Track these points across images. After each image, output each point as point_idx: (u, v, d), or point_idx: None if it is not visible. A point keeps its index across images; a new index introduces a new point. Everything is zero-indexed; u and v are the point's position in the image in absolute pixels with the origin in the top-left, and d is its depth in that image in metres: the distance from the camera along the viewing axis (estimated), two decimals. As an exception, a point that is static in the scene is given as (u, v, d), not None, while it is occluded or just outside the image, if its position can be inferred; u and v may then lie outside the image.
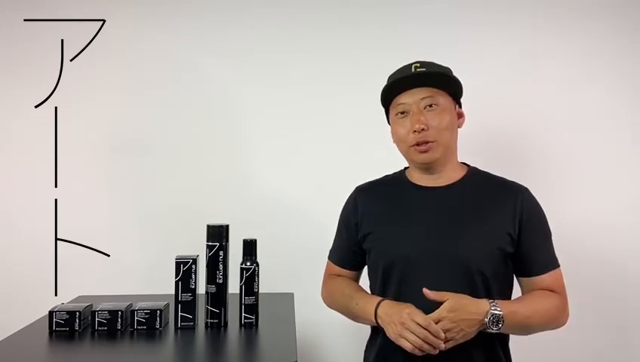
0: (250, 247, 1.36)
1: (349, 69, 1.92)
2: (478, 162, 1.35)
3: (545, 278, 1.23)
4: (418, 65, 1.25)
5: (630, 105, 1.88)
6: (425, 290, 1.12)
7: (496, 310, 1.12)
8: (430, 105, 1.23)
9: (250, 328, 1.33)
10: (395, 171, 1.38)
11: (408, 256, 1.21)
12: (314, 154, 1.93)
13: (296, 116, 1.94)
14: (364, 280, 1.37)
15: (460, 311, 1.10)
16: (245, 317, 1.34)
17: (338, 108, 1.91)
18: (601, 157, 1.88)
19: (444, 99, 1.24)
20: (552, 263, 1.24)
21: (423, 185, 1.29)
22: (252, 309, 1.35)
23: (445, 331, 1.09)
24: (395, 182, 1.34)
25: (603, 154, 1.88)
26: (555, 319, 1.22)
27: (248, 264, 1.35)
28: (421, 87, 1.23)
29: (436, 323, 1.09)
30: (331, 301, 1.38)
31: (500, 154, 1.86)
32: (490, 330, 1.13)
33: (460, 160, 1.33)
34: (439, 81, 1.24)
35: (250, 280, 1.34)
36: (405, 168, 1.36)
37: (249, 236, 1.37)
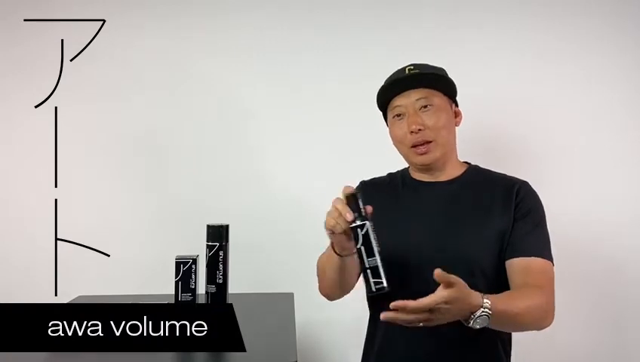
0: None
1: (354, 69, 1.91)
2: (477, 162, 1.35)
3: (531, 263, 1.15)
4: (412, 67, 1.27)
5: (630, 104, 1.88)
6: (437, 271, 0.96)
7: (486, 309, 1.00)
8: (425, 106, 1.24)
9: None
10: (399, 170, 1.39)
11: (407, 251, 1.21)
12: (315, 154, 1.93)
13: (297, 116, 1.93)
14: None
15: (457, 303, 0.97)
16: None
17: (340, 108, 1.91)
18: (600, 156, 1.88)
19: (438, 99, 1.25)
20: (542, 251, 1.17)
21: (423, 180, 1.30)
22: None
23: (431, 318, 0.97)
24: (397, 179, 1.36)
25: (602, 153, 1.88)
26: (539, 320, 1.13)
27: None
28: (415, 88, 1.25)
29: (428, 310, 0.95)
30: (321, 277, 1.30)
31: (499, 154, 1.85)
32: (469, 325, 1.01)
33: (461, 160, 1.33)
34: (433, 81, 1.25)
35: None
36: (408, 167, 1.37)
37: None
